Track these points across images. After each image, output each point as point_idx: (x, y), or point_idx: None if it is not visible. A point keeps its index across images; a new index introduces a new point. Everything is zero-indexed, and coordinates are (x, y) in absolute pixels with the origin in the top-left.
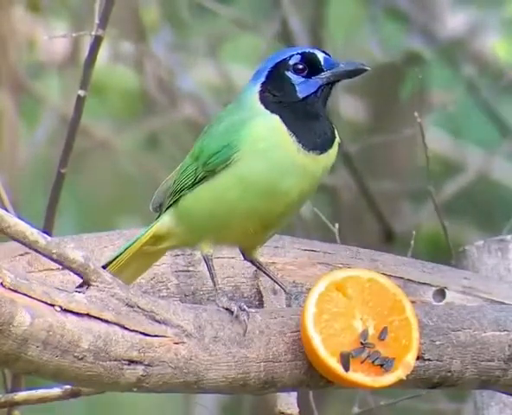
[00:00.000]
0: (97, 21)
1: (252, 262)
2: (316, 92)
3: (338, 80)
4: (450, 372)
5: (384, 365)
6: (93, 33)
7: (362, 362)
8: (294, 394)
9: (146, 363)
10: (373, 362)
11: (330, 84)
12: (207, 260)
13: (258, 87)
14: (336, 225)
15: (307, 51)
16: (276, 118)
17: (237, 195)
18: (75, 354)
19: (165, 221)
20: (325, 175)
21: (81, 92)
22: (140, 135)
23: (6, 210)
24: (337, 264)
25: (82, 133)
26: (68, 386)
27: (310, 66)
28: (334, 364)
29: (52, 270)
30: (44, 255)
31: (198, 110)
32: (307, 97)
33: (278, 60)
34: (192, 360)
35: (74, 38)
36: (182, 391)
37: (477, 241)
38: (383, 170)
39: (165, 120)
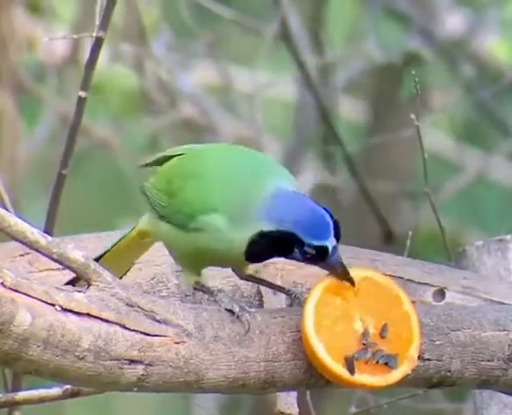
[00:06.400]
0: (97, 22)
1: (248, 279)
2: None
3: None
4: (449, 371)
5: (389, 363)
6: (94, 34)
7: (367, 363)
8: (294, 394)
9: (146, 363)
10: (377, 362)
11: None
12: (197, 288)
13: (263, 227)
14: None
15: (323, 246)
16: (246, 241)
17: (193, 249)
18: (76, 354)
19: (146, 221)
20: None
21: (82, 94)
22: (140, 135)
23: (6, 210)
24: None
25: (82, 133)
26: (68, 386)
27: (317, 255)
28: (340, 369)
29: (52, 270)
30: (45, 255)
31: (198, 110)
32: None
33: (297, 231)
34: (192, 360)
35: (75, 39)
36: (182, 390)
37: (477, 241)
38: (383, 171)
39: (165, 120)
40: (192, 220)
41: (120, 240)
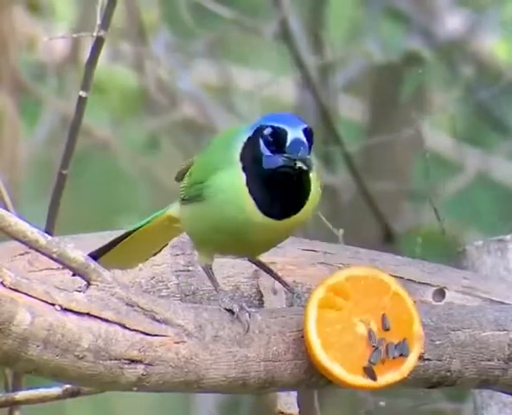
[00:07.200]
0: (99, 21)
1: (258, 264)
2: (278, 168)
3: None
4: (449, 371)
5: (403, 353)
6: (95, 34)
7: (384, 363)
8: (294, 394)
9: (147, 362)
10: (393, 358)
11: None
12: (206, 270)
13: (244, 139)
14: (341, 230)
15: (278, 126)
16: (242, 176)
17: (210, 226)
18: (76, 354)
19: (174, 207)
20: (299, 227)
21: (83, 93)
22: (140, 135)
23: (6, 210)
24: (337, 264)
25: (83, 133)
26: (68, 386)
27: (277, 142)
28: (363, 381)
29: (52, 269)
30: (44, 254)
31: (198, 110)
32: (270, 169)
33: (261, 123)
34: (192, 360)
35: (75, 38)
36: (182, 390)
37: (477, 241)
38: (383, 171)
39: (165, 120)
40: (205, 187)
41: (149, 221)
